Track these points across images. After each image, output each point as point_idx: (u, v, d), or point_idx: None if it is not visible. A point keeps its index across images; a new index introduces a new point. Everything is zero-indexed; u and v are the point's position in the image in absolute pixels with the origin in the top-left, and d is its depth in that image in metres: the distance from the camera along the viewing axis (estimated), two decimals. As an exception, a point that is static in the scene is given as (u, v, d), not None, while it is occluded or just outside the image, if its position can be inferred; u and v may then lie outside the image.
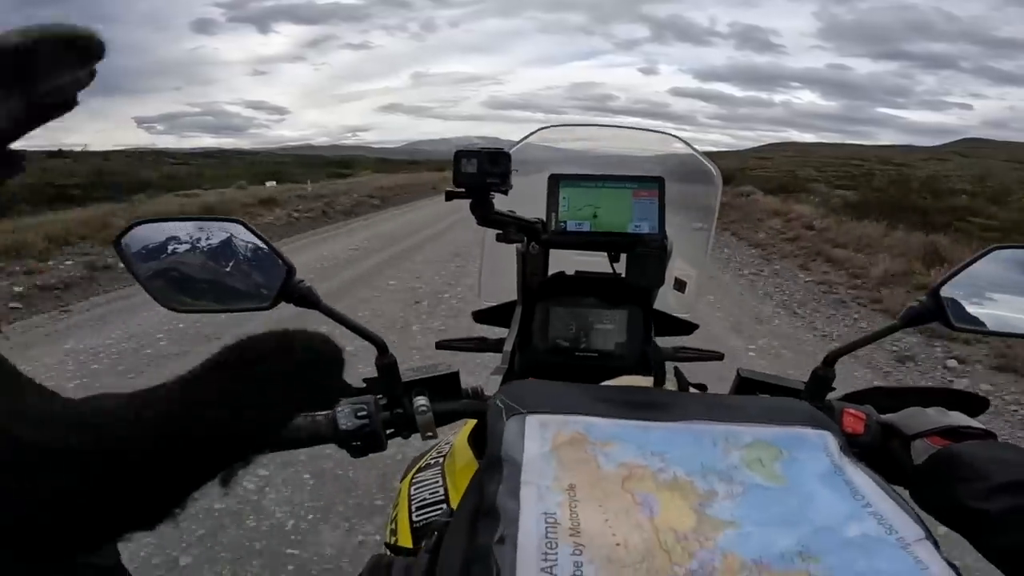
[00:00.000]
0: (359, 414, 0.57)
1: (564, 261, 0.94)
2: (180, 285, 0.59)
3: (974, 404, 0.63)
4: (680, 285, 1.01)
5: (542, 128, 1.03)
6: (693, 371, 1.13)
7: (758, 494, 0.37)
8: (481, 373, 0.77)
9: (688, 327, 1.04)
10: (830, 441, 0.42)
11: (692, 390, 0.59)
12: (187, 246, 0.59)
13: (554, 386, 0.54)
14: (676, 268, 0.98)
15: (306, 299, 0.57)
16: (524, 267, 0.94)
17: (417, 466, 0.86)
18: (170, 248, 0.59)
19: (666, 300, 1.00)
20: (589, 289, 0.95)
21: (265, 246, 0.58)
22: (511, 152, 0.72)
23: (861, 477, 0.39)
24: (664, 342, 1.00)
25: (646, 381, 0.59)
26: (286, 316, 0.56)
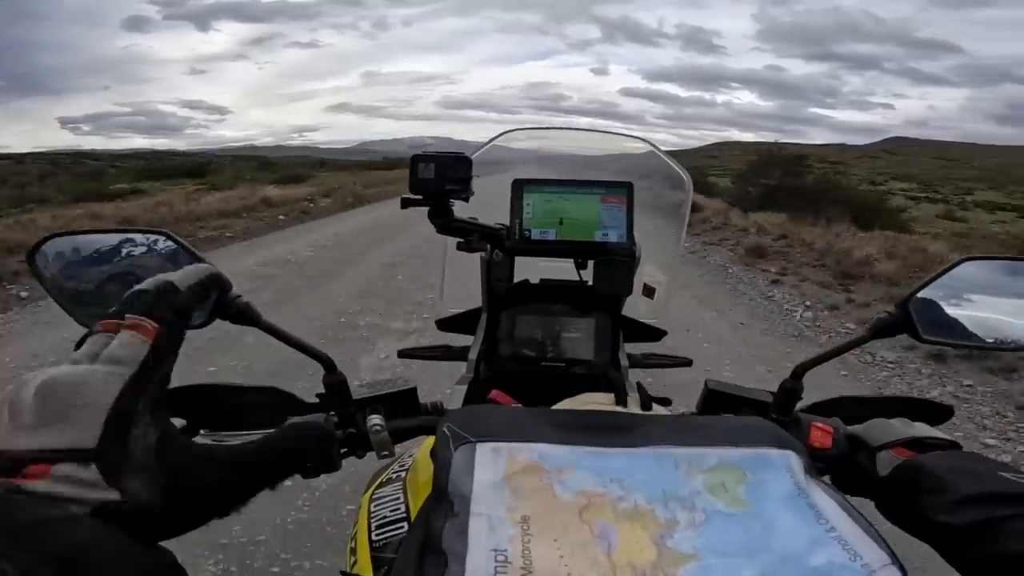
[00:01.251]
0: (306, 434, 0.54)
1: (531, 267, 0.93)
2: (100, 301, 0.54)
3: (938, 413, 0.65)
4: (649, 291, 1.01)
5: (507, 131, 1.01)
6: (662, 376, 1.13)
7: (721, 522, 0.36)
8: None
9: (657, 333, 1.05)
10: (794, 461, 0.42)
11: (656, 406, 0.58)
12: (107, 260, 0.56)
13: (507, 411, 0.53)
14: (645, 274, 0.98)
15: (244, 315, 0.54)
16: (489, 274, 0.93)
17: (378, 481, 0.83)
18: (88, 262, 0.56)
19: (635, 306, 1.00)
20: (556, 296, 0.93)
21: (194, 259, 0.54)
22: (473, 157, 0.69)
23: (825, 499, 0.39)
24: (634, 348, 1.00)
25: (607, 399, 0.57)
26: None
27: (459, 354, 0.97)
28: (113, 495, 0.32)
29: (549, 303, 0.93)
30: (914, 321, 0.55)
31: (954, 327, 0.56)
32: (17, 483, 0.30)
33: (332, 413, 0.59)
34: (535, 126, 1.09)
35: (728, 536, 0.35)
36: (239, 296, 0.54)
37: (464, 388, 0.80)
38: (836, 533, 0.36)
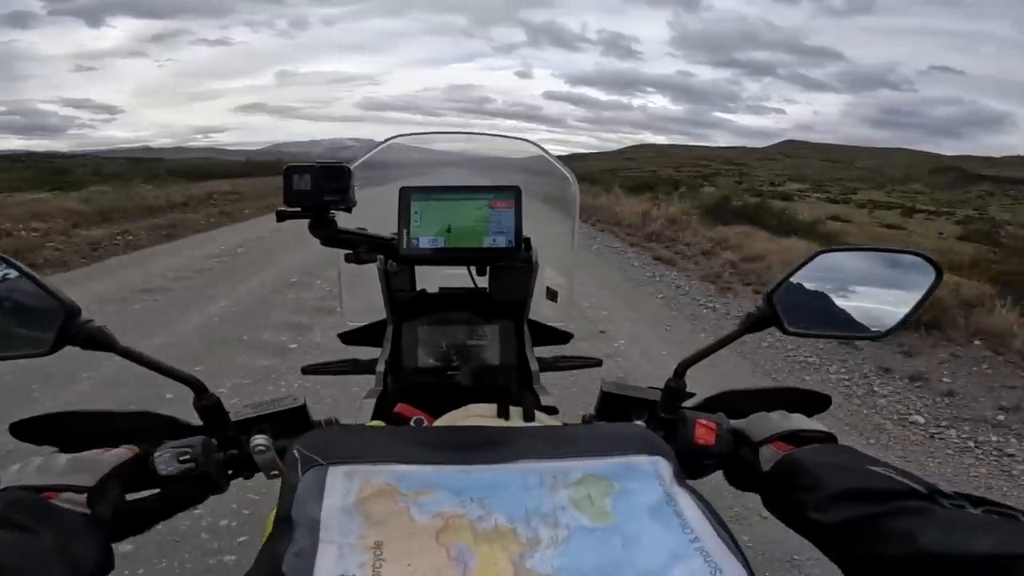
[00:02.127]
0: (181, 458, 0.54)
1: (433, 273, 0.91)
2: None
3: (817, 402, 0.68)
4: (552, 295, 1.01)
5: (393, 138, 0.98)
6: (569, 378, 1.14)
7: (583, 538, 0.36)
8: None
9: (564, 336, 1.05)
10: (663, 468, 0.42)
11: (540, 415, 0.58)
12: None
13: (363, 432, 0.53)
14: (547, 278, 0.99)
15: (96, 341, 0.52)
16: (389, 285, 0.91)
17: None
18: None
19: (541, 310, 1.00)
20: (460, 304, 0.92)
21: (36, 285, 0.52)
22: (354, 166, 0.67)
23: (692, 507, 0.40)
24: (544, 351, 1.00)
25: (489, 410, 0.57)
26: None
27: (367, 367, 0.95)
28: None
29: (453, 312, 0.92)
30: (779, 315, 0.57)
31: (816, 318, 0.59)
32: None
33: (212, 436, 0.58)
34: (423, 131, 1.07)
35: (590, 553, 0.35)
36: (90, 320, 0.52)
37: (372, 402, 0.79)
38: (699, 544, 0.36)
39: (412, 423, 0.65)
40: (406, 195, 0.80)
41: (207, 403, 0.57)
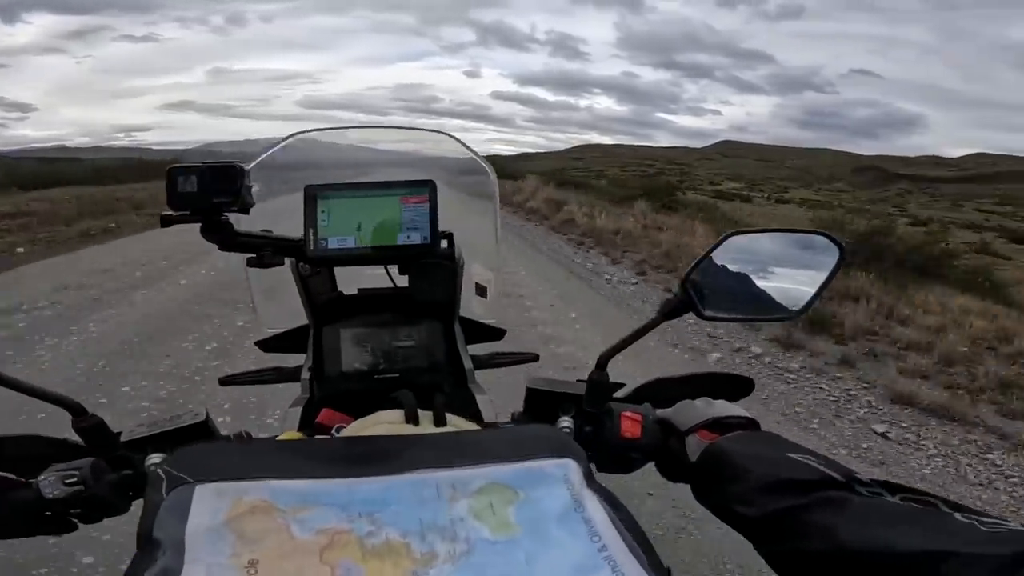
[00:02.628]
0: (67, 480, 0.52)
1: (354, 275, 0.87)
2: None
3: (740, 386, 0.68)
4: (481, 291, 0.99)
5: (296, 134, 0.92)
6: (508, 374, 1.13)
7: (484, 551, 0.34)
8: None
9: (498, 332, 1.04)
10: (572, 471, 0.41)
11: (455, 419, 0.56)
12: None
13: (239, 447, 0.51)
14: (475, 274, 0.97)
15: None
16: (306, 288, 0.87)
17: None
18: None
19: (471, 307, 0.97)
20: (384, 305, 0.89)
21: None
22: (249, 167, 0.63)
23: (600, 512, 0.38)
24: (478, 349, 0.98)
25: (397, 417, 0.55)
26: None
27: (291, 375, 0.91)
28: None
29: (377, 313, 0.89)
30: (694, 300, 0.57)
31: (730, 302, 0.59)
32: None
33: (101, 457, 0.56)
34: (331, 126, 1.03)
35: (490, 568, 0.33)
36: None
37: (299, 410, 0.77)
38: (607, 552, 0.35)
39: (334, 431, 0.62)
40: (312, 193, 0.76)
41: (87, 424, 0.56)
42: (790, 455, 0.46)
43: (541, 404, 0.67)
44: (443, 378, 0.88)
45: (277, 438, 0.61)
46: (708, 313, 0.57)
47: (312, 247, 0.76)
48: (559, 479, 0.40)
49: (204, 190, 0.60)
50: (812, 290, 0.59)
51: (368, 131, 1.10)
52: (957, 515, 0.36)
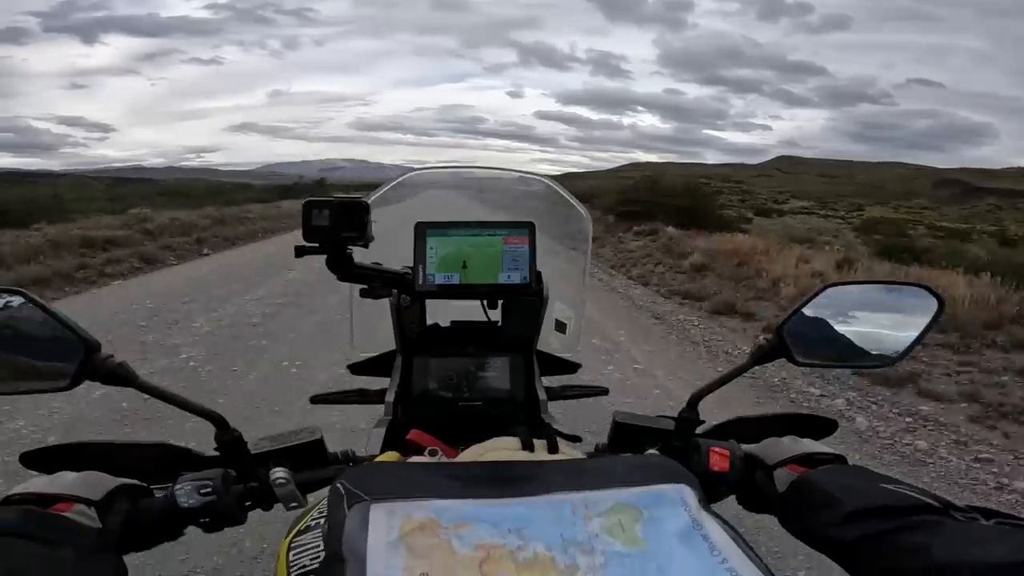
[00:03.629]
0: (202, 490, 0.55)
1: (443, 305, 0.93)
2: None
3: (823, 427, 0.71)
4: (561, 327, 1.04)
5: (407, 174, 1.01)
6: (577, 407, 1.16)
7: (619, 562, 0.38)
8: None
9: (572, 366, 1.08)
10: (688, 495, 0.44)
11: (563, 444, 0.60)
12: None
13: (402, 467, 0.55)
14: (556, 310, 1.02)
15: (116, 376, 0.54)
16: (400, 318, 0.93)
17: (297, 528, 0.80)
18: None
19: (549, 341, 1.02)
20: (468, 337, 0.94)
21: (57, 321, 0.53)
22: (369, 202, 0.69)
23: (718, 531, 0.41)
24: (551, 381, 1.03)
25: (513, 443, 0.59)
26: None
27: (375, 397, 0.96)
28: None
29: (463, 344, 0.94)
30: (788, 346, 0.61)
31: (824, 349, 0.62)
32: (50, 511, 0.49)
33: (230, 468, 0.59)
34: (436, 165, 1.11)
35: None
36: (110, 356, 0.54)
37: (382, 431, 0.79)
38: (728, 565, 0.38)
39: (427, 452, 0.66)
40: (422, 231, 0.81)
41: (229, 438, 0.59)
42: (884, 485, 0.49)
43: (627, 437, 0.71)
44: (520, 408, 0.92)
45: (376, 459, 0.65)
46: (801, 360, 0.61)
47: (421, 282, 0.81)
48: (677, 502, 0.44)
49: (335, 224, 0.66)
50: (907, 338, 0.61)
51: (467, 170, 1.18)
52: None
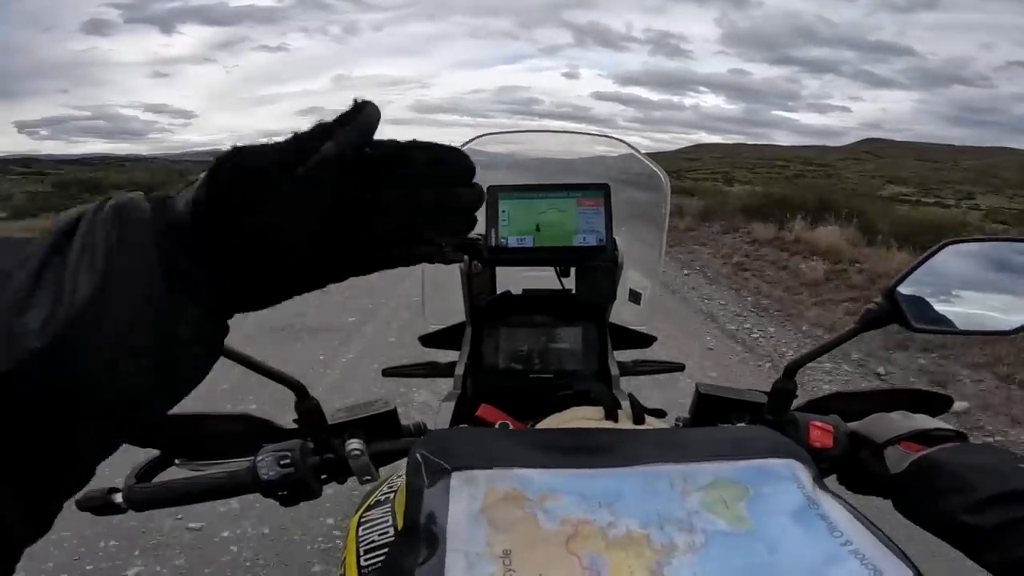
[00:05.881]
0: (282, 462, 0.56)
1: (513, 276, 0.93)
2: None
3: (936, 403, 0.65)
4: (635, 297, 1.02)
5: (479, 136, 1.00)
6: (653, 381, 1.14)
7: (723, 543, 0.35)
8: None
9: (646, 339, 1.06)
10: (800, 471, 0.41)
11: (648, 418, 0.57)
12: None
13: (484, 434, 0.52)
14: (630, 280, 0.99)
15: None
16: (470, 287, 0.93)
17: (367, 503, 0.82)
18: None
19: (621, 313, 1.01)
20: (540, 307, 0.94)
21: None
22: None
23: (837, 509, 0.38)
24: (623, 355, 1.01)
25: (596, 413, 0.56)
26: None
27: (445, 370, 0.97)
28: None
29: (533, 314, 0.93)
30: (903, 311, 0.56)
31: (942, 314, 0.57)
32: None
33: (308, 439, 0.60)
34: (505, 130, 1.11)
35: (733, 559, 0.34)
36: None
37: (452, 405, 0.79)
38: (852, 546, 0.35)
39: (497, 426, 0.65)
40: (493, 194, 0.81)
41: (308, 407, 0.59)
42: (1022, 466, 0.45)
43: (711, 410, 0.68)
44: (593, 381, 0.92)
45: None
46: (917, 325, 0.56)
47: (493, 245, 0.80)
48: (788, 478, 0.40)
49: None
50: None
51: (537, 134, 1.17)
52: None
